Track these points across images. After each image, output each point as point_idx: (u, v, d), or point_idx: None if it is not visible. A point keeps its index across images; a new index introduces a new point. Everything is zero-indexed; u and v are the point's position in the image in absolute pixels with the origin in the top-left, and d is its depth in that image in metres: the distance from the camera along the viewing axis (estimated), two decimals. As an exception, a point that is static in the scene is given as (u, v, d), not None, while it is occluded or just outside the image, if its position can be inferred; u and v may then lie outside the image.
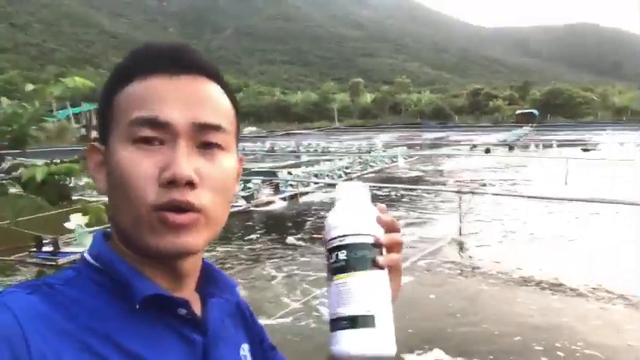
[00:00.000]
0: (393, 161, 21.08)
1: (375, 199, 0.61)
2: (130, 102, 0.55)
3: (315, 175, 15.08)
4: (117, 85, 0.58)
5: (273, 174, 14.89)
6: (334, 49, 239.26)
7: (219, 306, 0.64)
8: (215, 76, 0.60)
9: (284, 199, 12.64)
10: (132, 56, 0.59)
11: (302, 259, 7.70)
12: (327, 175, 15.59)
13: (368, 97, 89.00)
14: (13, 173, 1.66)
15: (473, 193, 9.23)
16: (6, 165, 1.73)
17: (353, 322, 0.55)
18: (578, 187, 13.14)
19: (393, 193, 13.41)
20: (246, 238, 9.00)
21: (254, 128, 62.02)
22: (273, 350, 0.77)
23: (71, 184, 1.65)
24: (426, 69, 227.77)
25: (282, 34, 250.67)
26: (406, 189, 13.39)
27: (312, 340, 4.74)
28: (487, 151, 25.67)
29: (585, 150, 24.14)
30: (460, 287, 6.40)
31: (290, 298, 6.05)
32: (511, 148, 28.04)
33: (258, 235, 9.28)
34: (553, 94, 71.39)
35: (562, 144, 27.00)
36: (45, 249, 7.26)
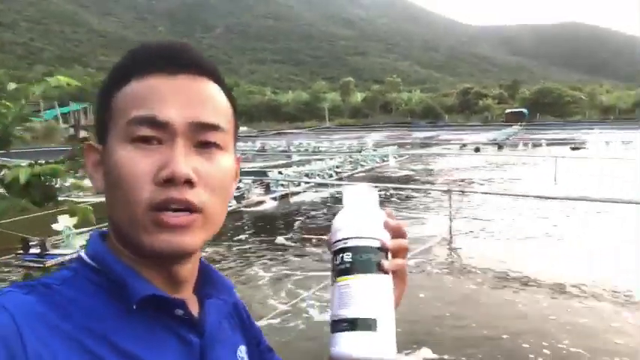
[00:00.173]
0: (383, 160, 21.18)
1: None
2: (128, 101, 0.55)
3: (306, 175, 15.06)
4: (115, 84, 0.57)
5: (263, 174, 14.88)
6: (325, 48, 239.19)
7: (216, 307, 0.63)
8: (213, 75, 0.59)
9: (275, 198, 12.62)
10: (130, 55, 0.59)
11: (291, 259, 7.70)
12: (318, 175, 15.58)
13: (359, 97, 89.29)
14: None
15: (463, 192, 9.29)
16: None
17: (353, 324, 0.55)
18: (567, 185, 13.27)
19: (382, 192, 13.45)
20: (235, 239, 8.97)
21: (245, 128, 61.90)
22: (270, 352, 0.77)
23: (57, 185, 1.62)
24: (416, 68, 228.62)
25: (273, 32, 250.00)
26: (396, 188, 13.43)
27: (300, 342, 4.73)
28: (477, 150, 25.86)
29: (574, 149, 24.41)
30: (449, 286, 6.43)
31: (276, 300, 6.04)
32: (500, 147, 28.27)
33: (248, 236, 9.27)
34: (542, 93, 72.11)
35: (551, 143, 27.30)
36: (32, 251, 7.16)
